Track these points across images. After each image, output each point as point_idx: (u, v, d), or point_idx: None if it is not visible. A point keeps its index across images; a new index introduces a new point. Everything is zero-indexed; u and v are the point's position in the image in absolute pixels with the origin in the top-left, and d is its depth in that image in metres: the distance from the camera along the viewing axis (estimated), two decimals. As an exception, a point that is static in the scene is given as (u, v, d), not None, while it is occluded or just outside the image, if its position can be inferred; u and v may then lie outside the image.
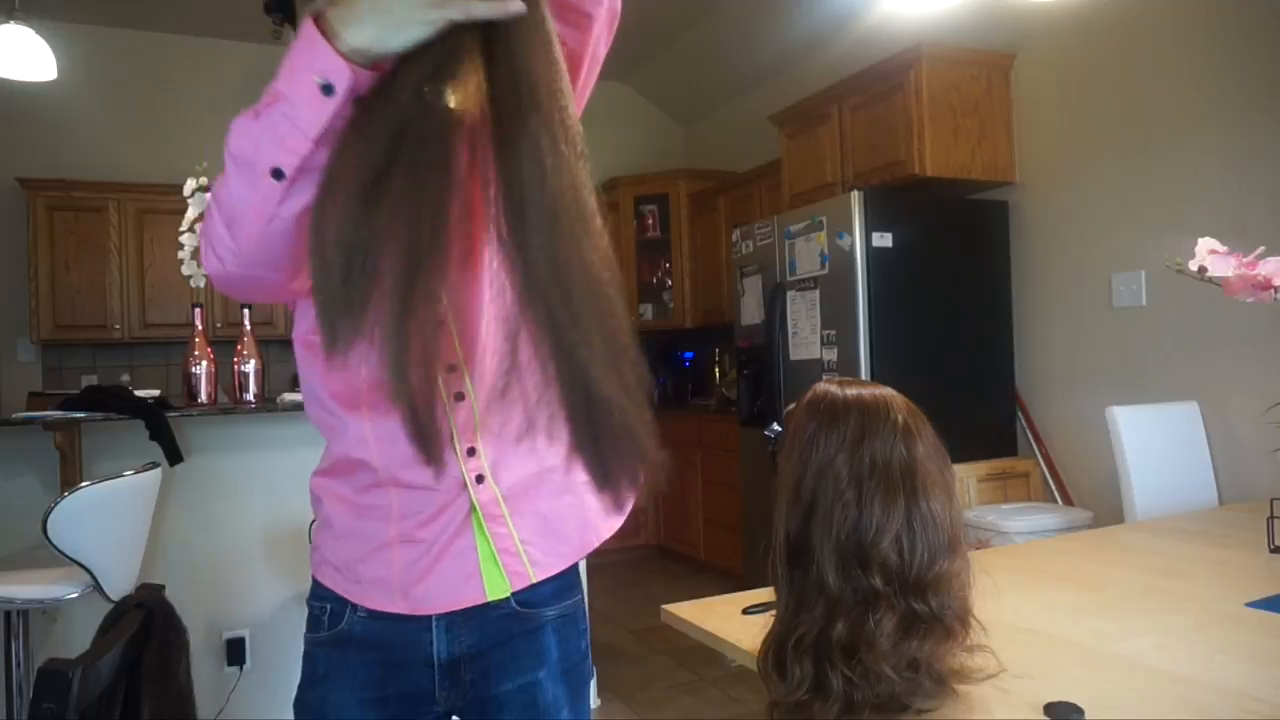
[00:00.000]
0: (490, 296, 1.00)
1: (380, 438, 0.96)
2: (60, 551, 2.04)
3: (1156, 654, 1.12)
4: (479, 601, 1.01)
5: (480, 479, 1.00)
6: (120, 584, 2.16)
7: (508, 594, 1.02)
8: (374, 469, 0.98)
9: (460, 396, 0.98)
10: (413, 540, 0.99)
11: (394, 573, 0.99)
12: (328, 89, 0.74)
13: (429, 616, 1.01)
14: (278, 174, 0.77)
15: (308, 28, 0.74)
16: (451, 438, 0.98)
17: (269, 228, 0.80)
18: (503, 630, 1.04)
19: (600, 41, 1.00)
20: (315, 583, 1.06)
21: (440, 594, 1.00)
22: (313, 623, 1.06)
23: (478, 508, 0.99)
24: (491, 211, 0.79)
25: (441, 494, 0.98)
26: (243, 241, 0.82)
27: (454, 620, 1.02)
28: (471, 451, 0.99)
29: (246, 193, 0.79)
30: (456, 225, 0.97)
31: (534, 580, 1.03)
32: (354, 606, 1.02)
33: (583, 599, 1.13)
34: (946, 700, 0.91)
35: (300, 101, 0.75)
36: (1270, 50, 2.64)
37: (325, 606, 1.04)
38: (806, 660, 0.90)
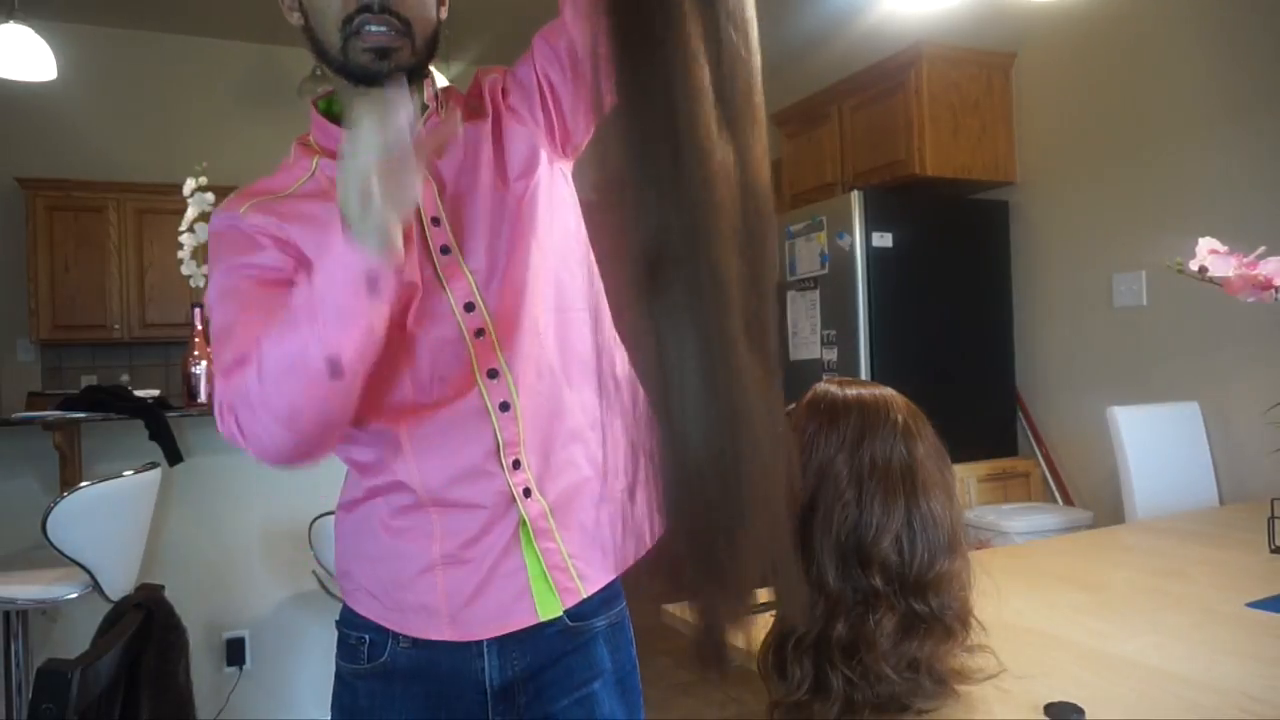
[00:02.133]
0: (544, 303, 0.98)
1: (420, 452, 0.94)
2: (60, 551, 2.04)
3: (1156, 654, 1.12)
4: (530, 623, 0.97)
5: (527, 492, 0.96)
6: (120, 584, 2.16)
7: (559, 613, 0.98)
8: (412, 490, 0.95)
9: (505, 406, 0.95)
10: (459, 561, 0.95)
11: (439, 597, 0.95)
12: (373, 287, 0.75)
13: (480, 641, 0.97)
14: (334, 366, 0.77)
15: (338, 238, 0.75)
16: (498, 449, 0.95)
17: (331, 407, 0.81)
18: (555, 648, 1.00)
19: None
20: (348, 609, 1.02)
21: (489, 618, 0.96)
22: (349, 653, 1.01)
23: (527, 523, 0.95)
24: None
25: (487, 511, 0.95)
26: (307, 429, 0.81)
27: (506, 643, 0.98)
28: (516, 464, 0.95)
29: (302, 391, 0.79)
30: (495, 223, 0.97)
31: (584, 595, 0.99)
32: (396, 636, 0.98)
33: (625, 606, 1.08)
34: (947, 700, 0.91)
35: (345, 304, 0.76)
36: (1271, 49, 2.64)
37: (364, 637, 0.99)
38: (806, 660, 0.89)
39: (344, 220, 0.74)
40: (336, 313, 0.76)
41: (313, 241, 0.92)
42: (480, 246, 0.97)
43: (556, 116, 1.01)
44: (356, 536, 1.00)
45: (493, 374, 0.95)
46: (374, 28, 0.89)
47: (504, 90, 1.03)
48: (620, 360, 1.05)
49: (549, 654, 1.00)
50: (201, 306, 2.89)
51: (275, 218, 0.93)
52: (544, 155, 1.02)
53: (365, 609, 0.99)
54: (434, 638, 0.96)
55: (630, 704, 1.06)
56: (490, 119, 1.01)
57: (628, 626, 1.08)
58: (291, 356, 0.77)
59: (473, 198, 0.98)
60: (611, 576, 1.03)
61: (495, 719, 0.99)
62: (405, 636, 0.97)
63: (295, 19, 0.97)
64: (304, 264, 0.92)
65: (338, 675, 1.02)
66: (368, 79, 0.93)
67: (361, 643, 0.99)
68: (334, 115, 1.01)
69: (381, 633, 0.98)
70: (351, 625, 1.01)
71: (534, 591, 0.96)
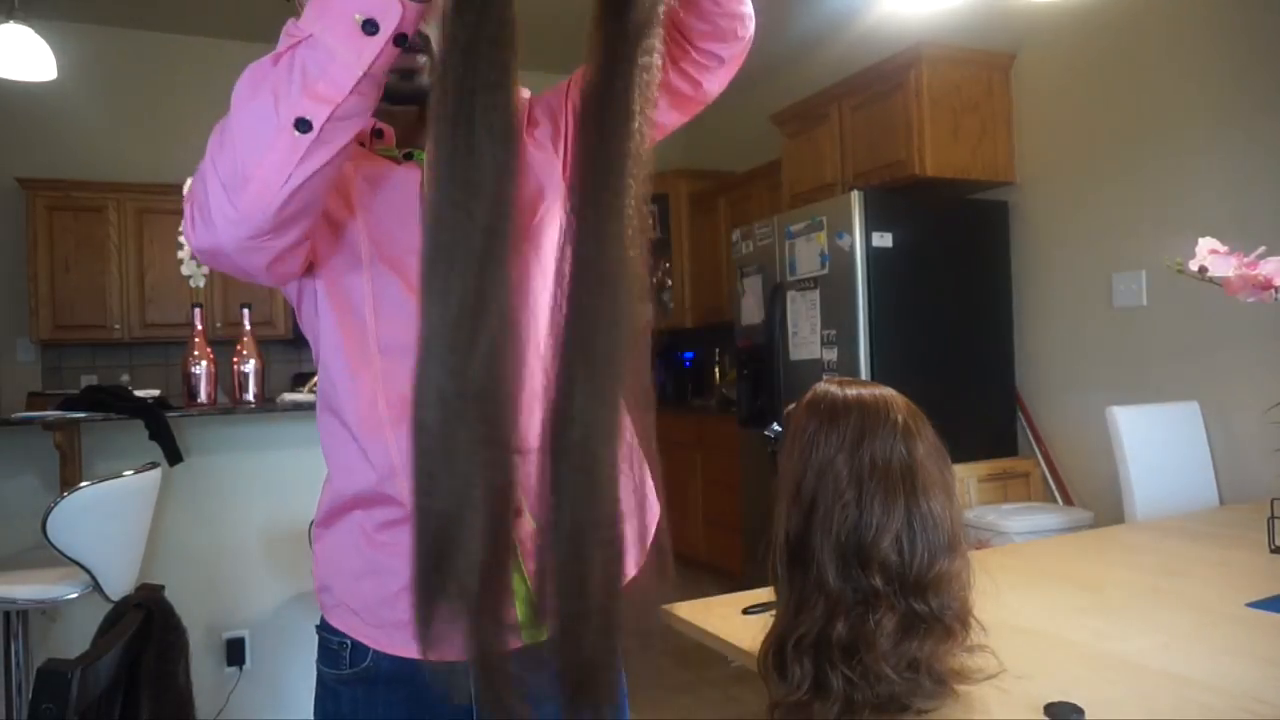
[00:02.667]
0: (541, 326, 0.98)
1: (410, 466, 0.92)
2: (60, 551, 2.04)
3: (1157, 654, 1.12)
4: (514, 647, 0.92)
5: (518, 512, 0.91)
6: (120, 584, 2.16)
7: (543, 638, 0.92)
8: (401, 504, 0.92)
9: None
10: None
11: None
12: (370, 26, 0.65)
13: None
14: (303, 125, 0.68)
15: None
16: None
17: (284, 189, 0.71)
18: (541, 656, 0.97)
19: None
20: (325, 622, 1.00)
21: None
22: (331, 658, 0.99)
23: (515, 545, 0.91)
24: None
25: None
26: (247, 206, 0.72)
27: None
28: None
29: (260, 149, 0.70)
30: None
31: None
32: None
33: None
34: (946, 700, 0.91)
35: (335, 43, 0.66)
36: (1270, 50, 2.64)
37: (345, 642, 0.98)
38: (806, 660, 0.89)
39: None
40: (325, 53, 0.66)
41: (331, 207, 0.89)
42: None
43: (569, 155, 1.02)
44: (336, 552, 0.99)
45: None
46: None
47: (532, 119, 1.03)
48: None
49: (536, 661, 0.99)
50: (202, 306, 2.89)
51: None
52: (560, 188, 1.01)
53: (344, 625, 0.98)
54: (414, 656, 0.92)
55: (617, 704, 1.06)
56: None
57: None
58: (260, 109, 0.70)
59: None
60: None
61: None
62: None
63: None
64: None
65: (320, 680, 1.01)
66: (391, 99, 0.91)
67: (344, 648, 0.98)
68: None
69: (361, 642, 0.98)
70: (332, 632, 1.00)
71: (521, 616, 0.92)
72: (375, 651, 0.96)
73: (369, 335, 0.94)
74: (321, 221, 0.92)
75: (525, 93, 1.04)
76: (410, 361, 0.92)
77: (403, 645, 0.95)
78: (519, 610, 0.93)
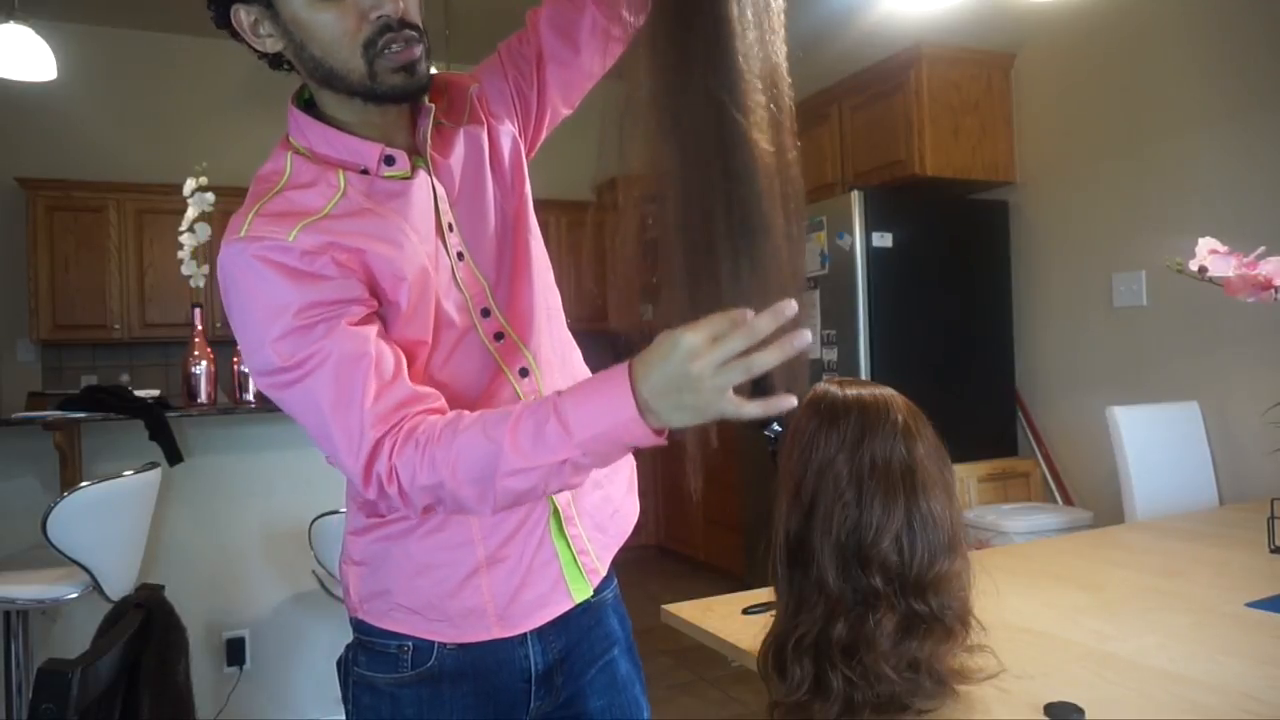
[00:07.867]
0: (540, 303, 1.03)
1: None
2: (60, 551, 2.04)
3: (1157, 654, 1.12)
4: (567, 608, 1.02)
5: None
6: (120, 584, 2.16)
7: (590, 594, 1.04)
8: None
9: None
10: (500, 560, 0.97)
11: (485, 599, 0.97)
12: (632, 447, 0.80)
13: (524, 633, 1.01)
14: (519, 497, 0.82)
15: (633, 418, 0.75)
16: None
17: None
18: (582, 625, 1.06)
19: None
20: (376, 628, 0.99)
21: (532, 609, 1.00)
22: (388, 662, 0.99)
23: (559, 512, 1.00)
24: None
25: (523, 505, 0.96)
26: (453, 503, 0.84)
27: (545, 630, 1.02)
28: None
29: (522, 497, 0.83)
30: (501, 229, 1.02)
31: (603, 574, 1.08)
32: (441, 642, 0.99)
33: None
34: (946, 700, 0.91)
35: (610, 456, 0.81)
36: (1270, 49, 2.64)
37: (406, 644, 0.98)
38: (806, 660, 0.89)
39: (653, 394, 0.75)
40: (594, 457, 0.78)
41: (380, 256, 0.89)
42: (489, 252, 1.00)
43: (522, 124, 1.08)
44: (386, 557, 0.98)
45: (524, 372, 0.99)
46: (399, 45, 0.89)
47: (485, 99, 1.06)
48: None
49: (577, 632, 1.06)
50: (201, 306, 2.89)
51: (330, 237, 0.87)
52: (524, 160, 1.08)
53: (404, 627, 0.98)
54: (484, 639, 0.98)
55: (637, 664, 1.15)
56: (486, 128, 1.04)
57: (621, 596, 1.17)
58: (532, 487, 0.81)
59: (479, 204, 1.01)
60: (613, 555, 1.10)
61: (536, 702, 1.03)
62: (453, 643, 0.98)
63: (270, 44, 0.95)
64: (370, 281, 0.89)
65: (368, 686, 1.00)
66: (397, 97, 0.92)
67: (404, 649, 0.98)
68: (325, 116, 0.98)
69: (424, 639, 0.98)
70: (387, 637, 0.99)
71: (567, 578, 1.02)
72: (440, 648, 0.98)
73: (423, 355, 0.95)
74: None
75: (474, 85, 1.06)
76: (448, 370, 0.96)
77: (469, 632, 0.98)
78: (565, 571, 1.02)
